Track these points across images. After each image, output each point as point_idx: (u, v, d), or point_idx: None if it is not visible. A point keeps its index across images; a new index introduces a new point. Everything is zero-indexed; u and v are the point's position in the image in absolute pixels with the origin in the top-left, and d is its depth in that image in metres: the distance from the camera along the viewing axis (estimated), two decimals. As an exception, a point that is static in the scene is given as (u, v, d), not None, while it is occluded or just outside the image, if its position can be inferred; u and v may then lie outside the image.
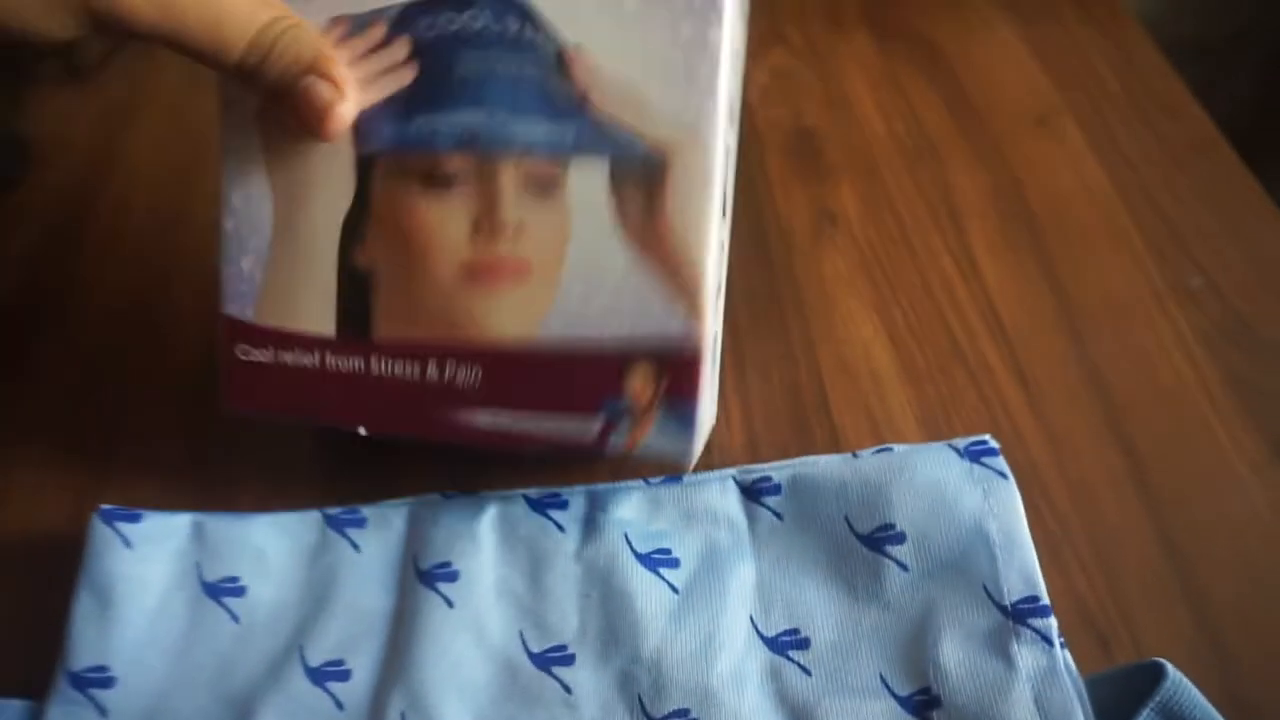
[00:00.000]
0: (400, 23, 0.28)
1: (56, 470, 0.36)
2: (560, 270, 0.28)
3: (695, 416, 0.28)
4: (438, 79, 0.28)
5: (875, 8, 0.52)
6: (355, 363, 0.30)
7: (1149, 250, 0.40)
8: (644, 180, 0.28)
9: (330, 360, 0.30)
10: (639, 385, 0.29)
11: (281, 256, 0.30)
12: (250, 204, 0.30)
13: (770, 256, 0.41)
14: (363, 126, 0.29)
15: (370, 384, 0.30)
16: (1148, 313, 0.38)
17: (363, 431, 0.31)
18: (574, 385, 0.29)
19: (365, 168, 0.29)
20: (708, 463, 0.33)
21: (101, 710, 0.29)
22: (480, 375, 0.29)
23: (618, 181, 0.28)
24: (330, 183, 0.30)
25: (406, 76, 0.28)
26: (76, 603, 0.30)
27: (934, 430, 0.35)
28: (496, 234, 0.28)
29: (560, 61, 0.27)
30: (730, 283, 0.40)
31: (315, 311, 0.30)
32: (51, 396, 0.38)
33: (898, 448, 0.32)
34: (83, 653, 0.29)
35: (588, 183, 0.28)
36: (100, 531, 0.31)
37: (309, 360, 0.30)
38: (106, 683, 0.29)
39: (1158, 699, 0.26)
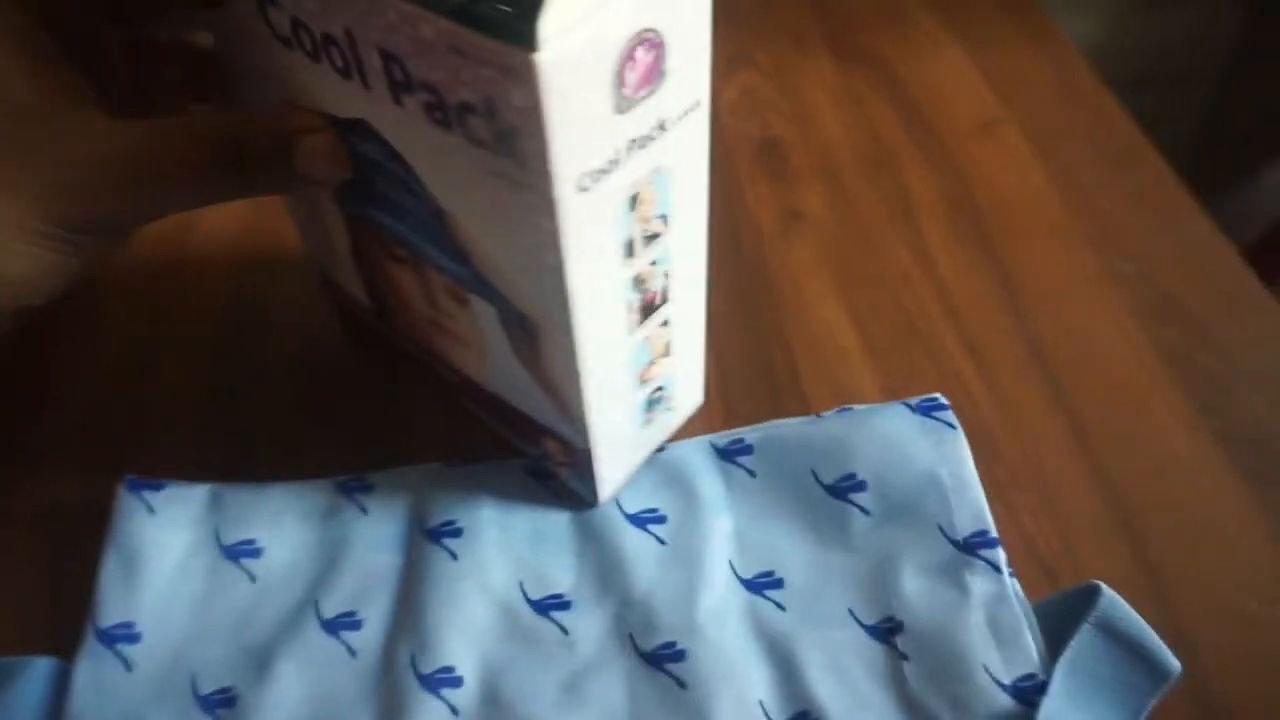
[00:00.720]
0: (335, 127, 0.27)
1: (82, 446, 0.38)
2: (486, 357, 0.31)
3: (595, 481, 0.32)
4: (367, 185, 0.28)
5: (835, 31, 0.56)
6: (384, 327, 0.37)
7: (1085, 242, 0.44)
8: (524, 332, 0.28)
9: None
10: (552, 447, 0.33)
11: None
12: None
13: (741, 249, 0.44)
14: (338, 196, 0.31)
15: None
16: (1085, 294, 0.41)
17: None
18: (514, 421, 0.33)
19: (350, 223, 0.32)
20: (692, 431, 0.36)
21: (127, 663, 0.31)
22: (459, 380, 0.34)
23: (506, 323, 0.28)
24: (334, 222, 0.33)
25: (347, 171, 0.28)
26: (104, 565, 0.32)
27: (895, 398, 0.38)
28: (438, 309, 0.31)
29: (440, 217, 0.27)
30: (709, 274, 0.43)
31: (354, 287, 0.37)
32: (81, 380, 0.40)
33: (857, 407, 0.35)
34: (110, 611, 0.31)
35: (485, 314, 0.29)
36: (126, 499, 0.33)
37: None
38: (132, 638, 0.31)
39: (1095, 614, 0.29)
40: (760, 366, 0.40)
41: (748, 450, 0.34)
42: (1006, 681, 0.28)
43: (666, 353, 0.31)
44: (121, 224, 0.28)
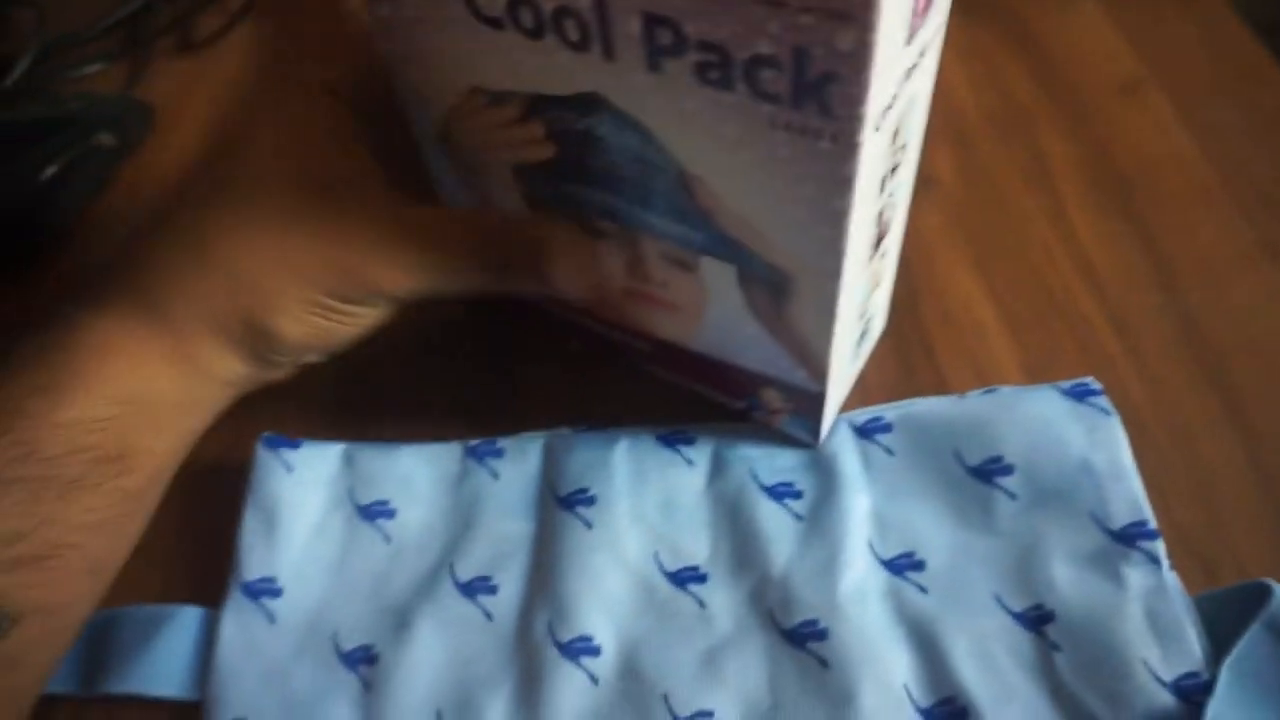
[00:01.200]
0: (532, 108, 0.27)
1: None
2: (702, 318, 0.31)
3: (820, 421, 0.32)
4: (573, 162, 0.28)
5: (961, -14, 0.54)
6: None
7: (1238, 212, 0.41)
8: (769, 285, 0.28)
9: None
10: (770, 396, 0.32)
11: None
12: None
13: (868, 219, 0.43)
14: (522, 175, 0.30)
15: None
16: (1240, 268, 0.39)
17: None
18: (723, 378, 0.33)
19: (532, 201, 0.31)
20: None
21: (270, 617, 0.31)
22: (651, 347, 0.34)
23: (745, 280, 0.28)
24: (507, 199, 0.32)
25: (546, 152, 0.28)
26: (244, 521, 0.33)
27: (1037, 377, 0.36)
28: (647, 279, 0.30)
29: (683, 181, 0.26)
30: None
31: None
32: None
33: (1003, 389, 0.34)
34: (253, 566, 0.32)
35: (719, 275, 0.28)
36: (264, 457, 0.34)
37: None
38: (275, 593, 0.32)
39: (1266, 614, 0.27)
40: (894, 342, 0.38)
41: (886, 428, 0.33)
42: (1168, 679, 0.27)
43: (879, 283, 0.31)
44: (391, 300, 0.30)
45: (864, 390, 0.36)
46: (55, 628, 0.28)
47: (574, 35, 0.23)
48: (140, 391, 0.29)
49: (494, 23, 0.25)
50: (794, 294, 0.27)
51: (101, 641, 0.31)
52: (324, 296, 0.29)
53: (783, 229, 0.25)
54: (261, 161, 0.30)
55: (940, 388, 0.36)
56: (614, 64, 0.23)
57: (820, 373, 0.30)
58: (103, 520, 0.28)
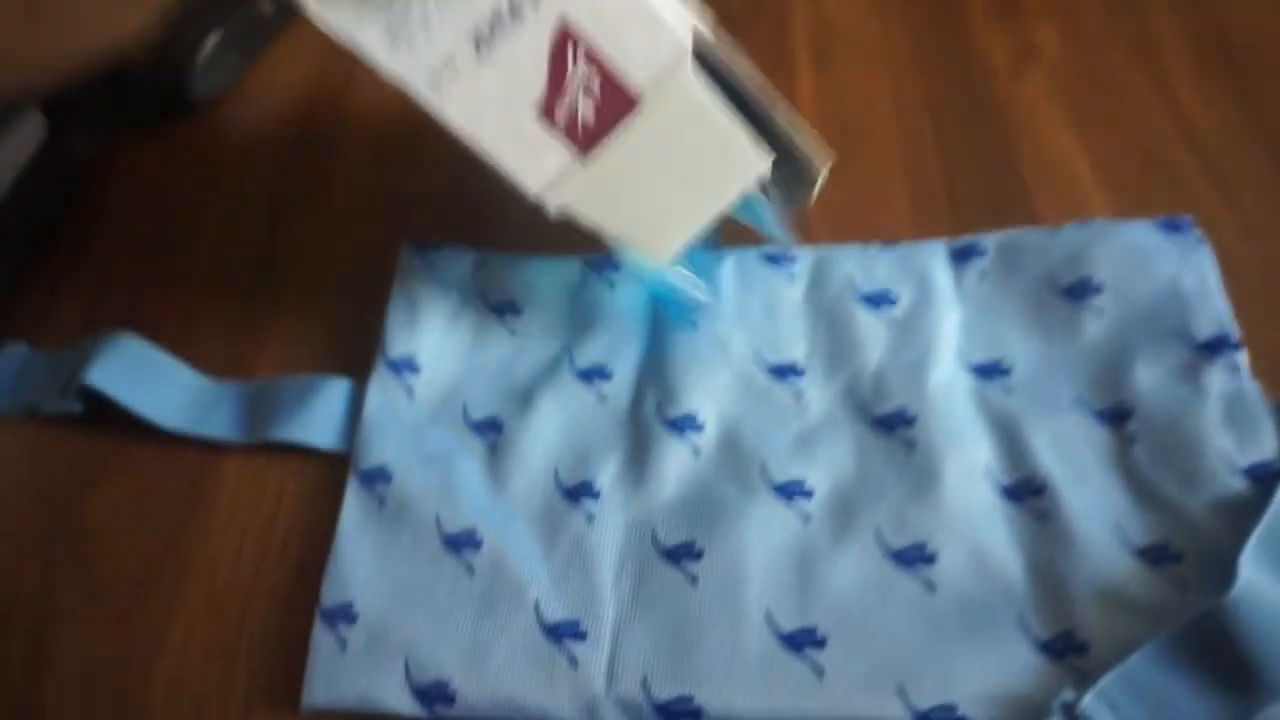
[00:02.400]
0: None
1: (363, 214, 0.42)
2: None
3: None
4: None
5: None
6: None
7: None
8: None
9: None
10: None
11: None
12: None
13: (971, 86, 0.44)
14: None
15: None
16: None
17: None
18: None
19: None
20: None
21: (409, 389, 0.35)
22: None
23: None
24: None
25: None
26: (391, 309, 0.36)
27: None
28: None
29: None
30: (934, 102, 0.43)
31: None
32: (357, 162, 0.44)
33: (1098, 220, 0.35)
34: (397, 345, 0.36)
35: None
36: (409, 258, 0.37)
37: None
38: (414, 369, 0.35)
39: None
40: (992, 193, 0.39)
41: (982, 253, 0.35)
42: (1242, 465, 0.28)
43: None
44: None
45: (958, 226, 0.38)
46: None
47: None
48: None
49: None
50: None
51: (264, 399, 0.35)
52: None
53: None
54: None
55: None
56: None
57: None
58: None
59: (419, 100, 0.27)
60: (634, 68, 0.27)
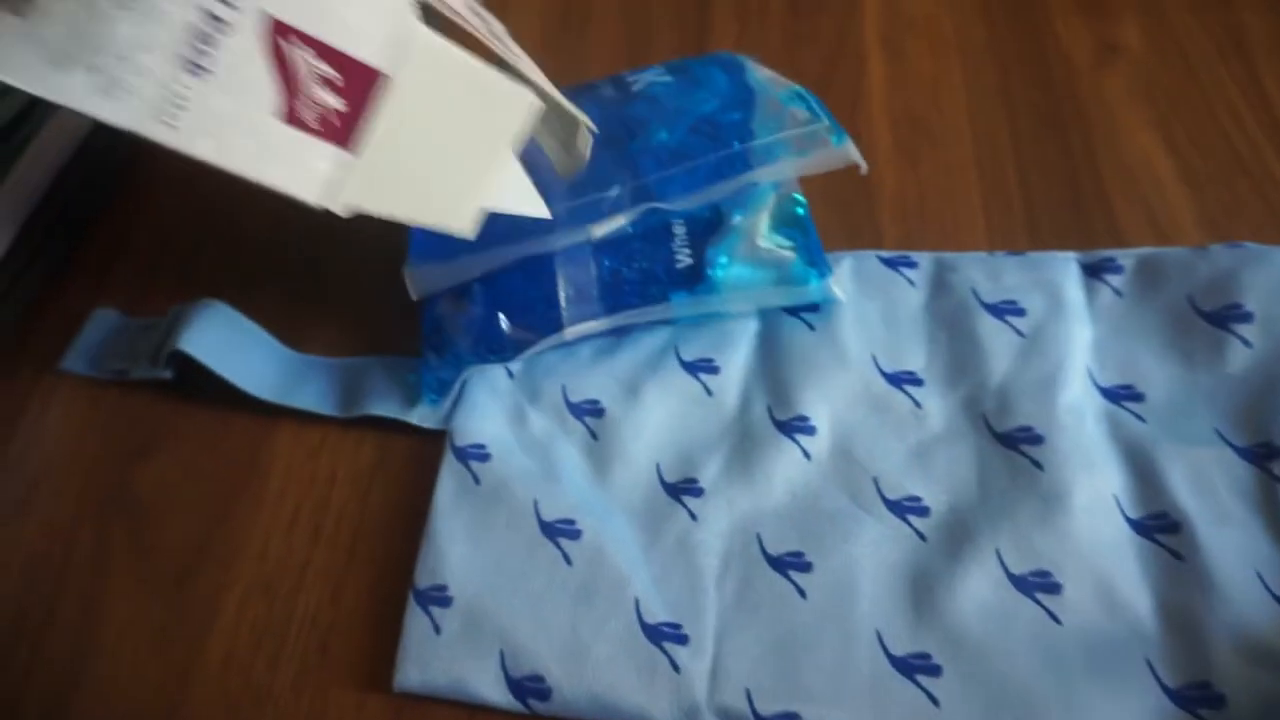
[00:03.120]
0: None
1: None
2: None
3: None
4: None
5: None
6: None
7: None
8: None
9: None
10: None
11: None
12: None
13: (1052, 80, 0.32)
14: None
15: None
16: None
17: None
18: None
19: None
20: (990, 245, 0.27)
21: (509, 370, 0.25)
22: None
23: None
24: None
25: None
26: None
27: (1215, 230, 0.27)
28: None
29: None
30: (1010, 96, 0.32)
31: None
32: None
33: (1249, 244, 0.24)
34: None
35: None
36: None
37: None
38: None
39: None
40: (1069, 192, 0.29)
41: (1118, 270, 0.25)
42: (1402, 520, 0.20)
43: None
44: None
45: (1034, 226, 0.28)
46: None
47: None
48: None
49: None
50: None
51: (361, 375, 0.26)
52: None
53: None
54: None
55: (1113, 234, 0.27)
56: None
57: None
58: None
59: (161, 143, 0.17)
60: (360, 40, 0.18)
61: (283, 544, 0.24)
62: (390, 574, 0.23)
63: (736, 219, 0.24)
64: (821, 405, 0.23)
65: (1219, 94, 0.31)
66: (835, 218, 0.28)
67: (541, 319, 0.24)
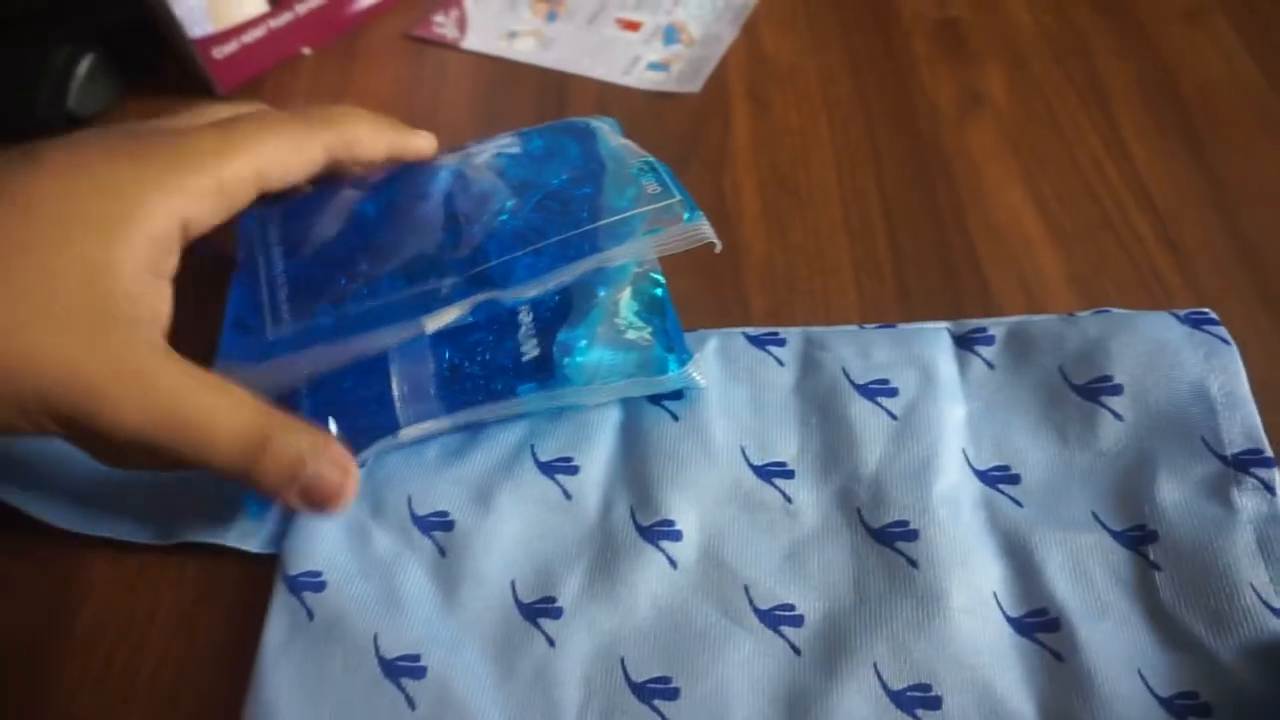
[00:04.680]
0: None
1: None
2: None
3: None
4: None
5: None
6: (285, 17, 0.33)
7: (1295, 141, 0.30)
8: None
9: (271, 23, 0.33)
10: None
11: None
12: None
13: (918, 131, 0.31)
14: None
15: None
16: (1295, 196, 0.28)
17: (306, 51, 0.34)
18: None
19: None
20: (866, 310, 0.25)
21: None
22: None
23: None
24: None
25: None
26: None
27: (1085, 289, 0.26)
28: None
29: None
30: (878, 152, 0.30)
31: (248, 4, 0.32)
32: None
33: (1116, 310, 0.23)
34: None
35: None
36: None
37: (258, 31, 0.33)
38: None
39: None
40: (938, 250, 0.27)
41: (989, 340, 0.23)
42: (1277, 604, 0.18)
43: None
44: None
45: (903, 296, 0.26)
46: None
47: None
48: None
49: None
50: None
51: (180, 495, 0.22)
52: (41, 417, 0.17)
53: None
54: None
55: (984, 297, 0.26)
56: None
57: None
58: None
59: None
60: None
61: (91, 700, 0.20)
62: (214, 732, 0.20)
63: (601, 294, 0.22)
64: (688, 506, 0.21)
65: (1082, 145, 0.30)
66: (702, 288, 0.26)
67: (374, 420, 0.21)
